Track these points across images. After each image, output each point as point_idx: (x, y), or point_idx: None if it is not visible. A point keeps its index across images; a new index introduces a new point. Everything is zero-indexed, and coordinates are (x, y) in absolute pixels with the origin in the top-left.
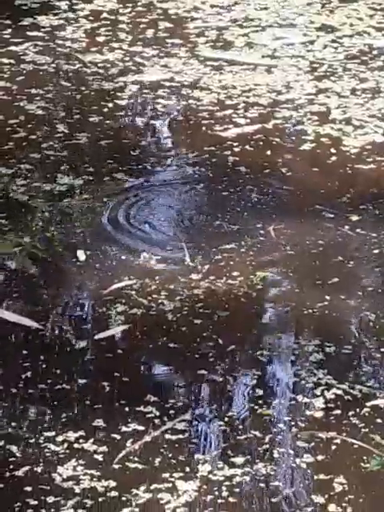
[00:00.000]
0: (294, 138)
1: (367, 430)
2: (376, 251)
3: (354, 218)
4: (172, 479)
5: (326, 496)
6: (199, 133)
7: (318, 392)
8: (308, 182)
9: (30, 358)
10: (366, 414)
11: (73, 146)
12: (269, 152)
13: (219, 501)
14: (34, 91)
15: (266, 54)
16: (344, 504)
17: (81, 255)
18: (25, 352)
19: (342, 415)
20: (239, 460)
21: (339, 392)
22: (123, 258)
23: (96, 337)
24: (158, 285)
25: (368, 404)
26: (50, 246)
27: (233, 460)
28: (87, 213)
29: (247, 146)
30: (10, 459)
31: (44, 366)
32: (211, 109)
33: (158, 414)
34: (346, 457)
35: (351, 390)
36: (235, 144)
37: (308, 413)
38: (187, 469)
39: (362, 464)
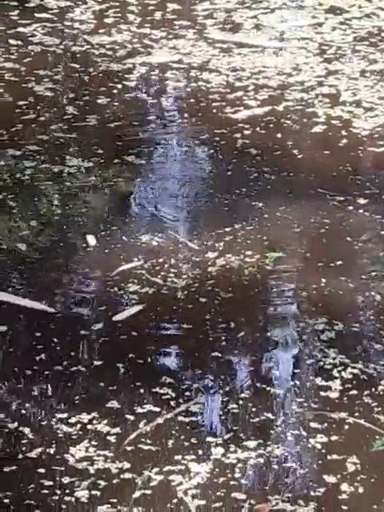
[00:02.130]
0: (305, 120)
1: (380, 409)
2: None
3: (364, 200)
4: (185, 461)
5: (339, 476)
6: (209, 115)
7: (332, 372)
8: (319, 164)
9: (43, 341)
10: (381, 393)
11: (81, 128)
12: (279, 134)
13: (232, 483)
14: (42, 73)
15: (275, 37)
16: (356, 484)
17: (91, 240)
18: (38, 335)
19: (355, 395)
20: (252, 442)
21: (355, 371)
22: (131, 239)
23: (114, 318)
24: (166, 266)
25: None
26: (58, 228)
27: (246, 443)
28: (95, 195)
29: (258, 128)
30: (23, 441)
31: (58, 348)
32: (221, 91)
33: (173, 395)
34: (359, 437)
35: (366, 370)
36: (246, 126)
37: (322, 393)
38: (200, 451)
39: (374, 444)
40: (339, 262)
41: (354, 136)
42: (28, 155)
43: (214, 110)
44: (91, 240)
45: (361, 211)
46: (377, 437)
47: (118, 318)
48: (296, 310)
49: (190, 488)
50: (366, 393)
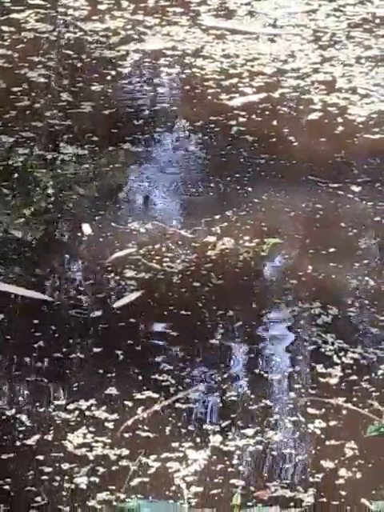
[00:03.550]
0: (301, 107)
1: (378, 393)
2: (377, 219)
3: (358, 187)
4: (182, 448)
5: (337, 461)
6: (204, 102)
7: (332, 357)
8: (314, 151)
9: (41, 329)
10: (380, 378)
11: (76, 115)
12: (275, 121)
13: (230, 470)
14: (35, 59)
15: (269, 23)
16: (354, 469)
17: (86, 229)
18: (36, 322)
19: (353, 381)
20: (250, 430)
21: (355, 356)
22: (126, 226)
23: (115, 305)
24: (161, 253)
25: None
26: (53, 216)
27: (244, 431)
28: (90, 182)
29: (253, 116)
30: (20, 428)
31: (56, 335)
32: (216, 77)
33: (172, 382)
34: (357, 422)
35: (365, 355)
36: (241, 113)
37: (320, 379)
38: (198, 439)
39: (368, 430)
40: (332, 249)
41: (349, 123)
42: (22, 142)
43: (209, 97)
44: (86, 229)
45: (355, 198)
46: (375, 422)
47: (118, 304)
48: (292, 295)
49: (187, 475)
50: (364, 378)
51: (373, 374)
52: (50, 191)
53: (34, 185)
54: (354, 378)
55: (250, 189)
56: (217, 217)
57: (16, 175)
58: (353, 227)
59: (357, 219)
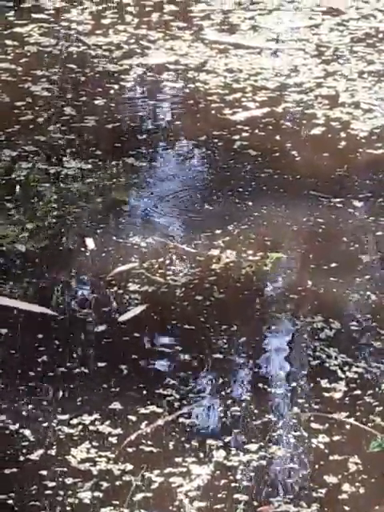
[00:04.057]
0: (304, 121)
1: (381, 408)
2: (379, 234)
3: (360, 202)
4: (185, 463)
5: (340, 476)
6: (208, 116)
7: (335, 372)
8: (317, 166)
9: (46, 343)
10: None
11: (79, 129)
12: (278, 136)
13: (233, 484)
14: (39, 73)
15: (272, 38)
16: (357, 484)
17: (90, 243)
18: (40, 337)
19: (356, 395)
20: (253, 445)
21: (359, 370)
22: (128, 241)
23: (120, 319)
24: (164, 267)
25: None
26: (56, 230)
27: (247, 446)
28: (93, 196)
29: (257, 130)
30: (24, 443)
31: (60, 350)
32: (219, 92)
33: (176, 397)
34: (360, 437)
35: (370, 369)
36: (245, 128)
37: (325, 394)
38: (201, 454)
39: (370, 445)
40: (334, 264)
41: (352, 138)
42: (25, 156)
43: (213, 112)
44: (90, 243)
45: (357, 213)
46: (377, 438)
47: (123, 318)
48: (295, 310)
49: (191, 490)
50: (368, 392)
51: (377, 389)
52: (53, 205)
53: (37, 199)
54: (358, 392)
55: (252, 203)
56: (220, 231)
57: (19, 189)
58: (355, 242)
59: (358, 234)
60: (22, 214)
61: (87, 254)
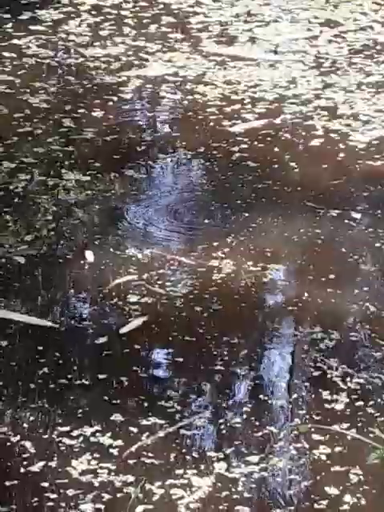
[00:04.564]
0: (303, 133)
1: (382, 419)
2: (377, 245)
3: (358, 214)
4: (187, 475)
5: (341, 488)
6: (207, 128)
7: (336, 383)
8: (316, 177)
9: (46, 355)
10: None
11: (78, 141)
12: (277, 148)
13: (234, 496)
14: (37, 85)
15: (270, 50)
16: (359, 495)
17: (89, 256)
18: (40, 349)
19: (356, 406)
20: (254, 457)
21: (360, 381)
22: (126, 253)
23: (121, 331)
24: (163, 279)
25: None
26: (54, 242)
27: (248, 458)
28: (92, 208)
29: (255, 142)
30: (25, 455)
31: (61, 362)
32: (217, 104)
33: (177, 409)
34: (361, 448)
35: (373, 380)
36: (244, 139)
37: (327, 406)
38: (202, 466)
39: (368, 457)
40: (332, 276)
41: (351, 149)
42: (24, 168)
43: (211, 123)
44: (89, 256)
45: (355, 224)
46: (377, 450)
47: (124, 330)
48: (294, 322)
49: (191, 502)
50: (369, 403)
51: (379, 400)
52: (51, 217)
53: (35, 211)
54: (359, 403)
55: (251, 214)
56: (218, 242)
57: (18, 201)
58: (353, 253)
59: (357, 245)
60: (21, 226)
61: (86, 265)
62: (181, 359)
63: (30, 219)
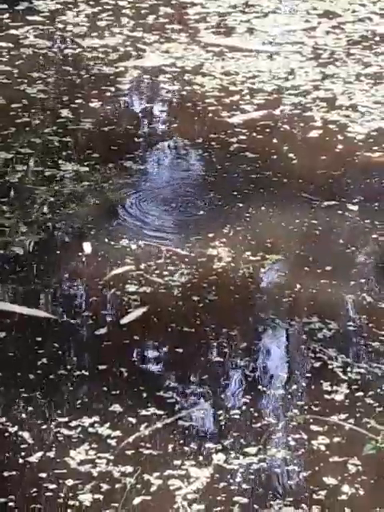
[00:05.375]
0: (302, 124)
1: (381, 409)
2: (374, 236)
3: (355, 205)
4: (185, 466)
5: (340, 478)
6: (205, 118)
7: (335, 373)
8: (314, 168)
9: (45, 346)
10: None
11: (75, 132)
12: (275, 139)
13: (232, 487)
14: (34, 75)
15: (268, 41)
16: (357, 485)
17: (87, 247)
18: (39, 340)
19: (355, 397)
20: (253, 448)
21: (361, 370)
22: (124, 243)
23: (121, 321)
24: (160, 269)
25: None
26: (51, 232)
27: (246, 449)
28: (88, 199)
29: (254, 133)
30: (23, 445)
31: (59, 353)
32: (216, 95)
33: (176, 399)
34: (360, 438)
35: (370, 369)
36: (242, 130)
37: (326, 396)
38: (200, 456)
39: (365, 448)
40: (329, 267)
41: (349, 140)
42: (21, 159)
43: (210, 114)
44: (87, 247)
45: (353, 215)
46: (372, 441)
47: (124, 320)
48: (292, 312)
49: (190, 492)
50: (369, 394)
51: (378, 390)
52: (48, 208)
53: (32, 201)
54: (358, 394)
55: (249, 205)
56: (216, 233)
57: (14, 191)
58: (350, 244)
59: (354, 236)
60: (18, 217)
61: (84, 257)
62: (180, 350)
63: (27, 210)
